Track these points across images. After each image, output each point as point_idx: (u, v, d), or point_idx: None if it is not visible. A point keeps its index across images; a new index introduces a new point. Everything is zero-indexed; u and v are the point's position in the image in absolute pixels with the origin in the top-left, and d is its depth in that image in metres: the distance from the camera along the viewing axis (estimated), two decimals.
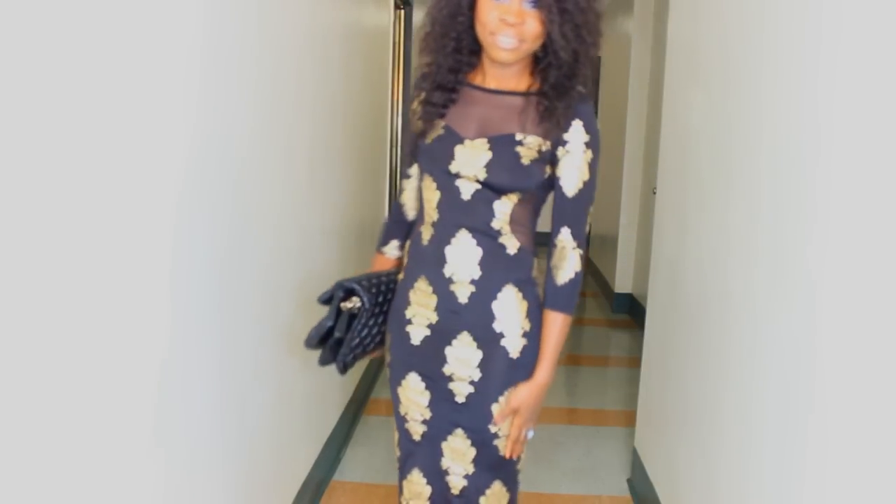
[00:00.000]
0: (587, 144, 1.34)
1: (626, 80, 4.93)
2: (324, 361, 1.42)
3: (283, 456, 2.00)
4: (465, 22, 1.34)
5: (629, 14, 4.95)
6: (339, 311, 1.40)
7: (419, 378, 1.43)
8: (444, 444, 1.44)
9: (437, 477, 1.46)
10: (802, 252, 1.28)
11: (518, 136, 1.33)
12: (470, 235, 1.35)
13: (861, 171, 1.10)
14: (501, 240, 1.36)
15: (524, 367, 1.37)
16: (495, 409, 1.38)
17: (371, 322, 1.45)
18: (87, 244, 0.99)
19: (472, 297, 1.35)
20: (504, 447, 1.41)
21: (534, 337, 1.38)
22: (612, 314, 5.04)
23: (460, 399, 1.39)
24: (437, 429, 1.43)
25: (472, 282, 1.35)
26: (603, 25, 1.34)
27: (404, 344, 1.43)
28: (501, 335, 1.36)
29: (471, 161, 1.34)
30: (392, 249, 1.57)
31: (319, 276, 2.38)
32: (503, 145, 1.33)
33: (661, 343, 2.31)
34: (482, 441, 1.41)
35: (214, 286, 1.46)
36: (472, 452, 1.42)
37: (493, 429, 1.39)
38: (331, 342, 1.40)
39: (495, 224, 1.35)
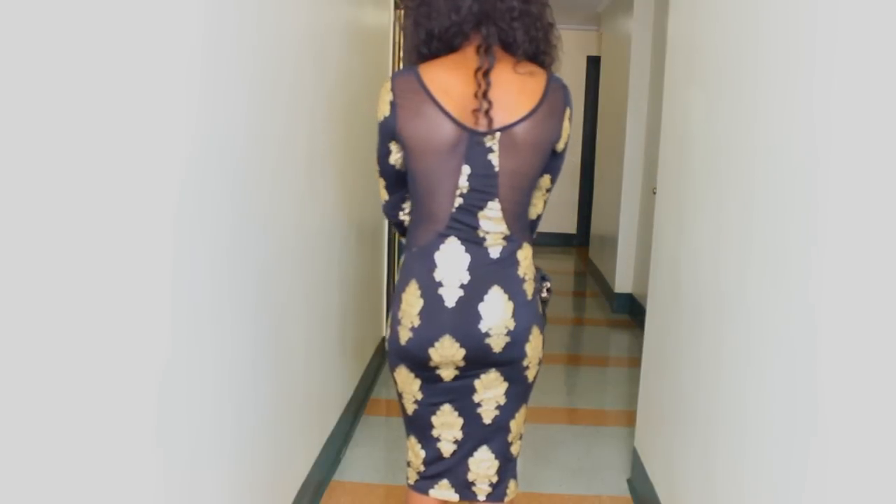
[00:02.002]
0: None
1: (626, 80, 4.93)
2: None
3: (282, 456, 2.00)
4: None
5: (629, 14, 4.95)
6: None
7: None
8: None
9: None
10: (801, 252, 1.28)
11: None
12: None
13: (857, 172, 1.10)
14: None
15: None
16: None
17: None
18: (90, 245, 0.99)
19: None
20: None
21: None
22: (612, 314, 5.04)
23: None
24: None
25: None
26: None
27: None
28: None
29: None
30: None
31: (319, 277, 2.38)
32: None
33: (660, 343, 2.31)
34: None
35: (214, 287, 1.46)
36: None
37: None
38: None
39: None
